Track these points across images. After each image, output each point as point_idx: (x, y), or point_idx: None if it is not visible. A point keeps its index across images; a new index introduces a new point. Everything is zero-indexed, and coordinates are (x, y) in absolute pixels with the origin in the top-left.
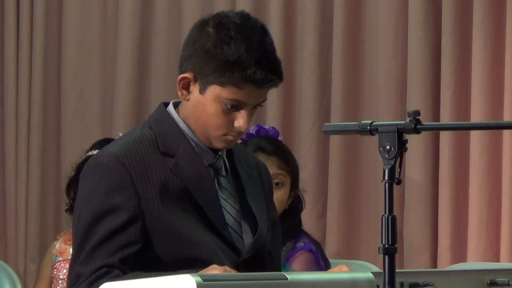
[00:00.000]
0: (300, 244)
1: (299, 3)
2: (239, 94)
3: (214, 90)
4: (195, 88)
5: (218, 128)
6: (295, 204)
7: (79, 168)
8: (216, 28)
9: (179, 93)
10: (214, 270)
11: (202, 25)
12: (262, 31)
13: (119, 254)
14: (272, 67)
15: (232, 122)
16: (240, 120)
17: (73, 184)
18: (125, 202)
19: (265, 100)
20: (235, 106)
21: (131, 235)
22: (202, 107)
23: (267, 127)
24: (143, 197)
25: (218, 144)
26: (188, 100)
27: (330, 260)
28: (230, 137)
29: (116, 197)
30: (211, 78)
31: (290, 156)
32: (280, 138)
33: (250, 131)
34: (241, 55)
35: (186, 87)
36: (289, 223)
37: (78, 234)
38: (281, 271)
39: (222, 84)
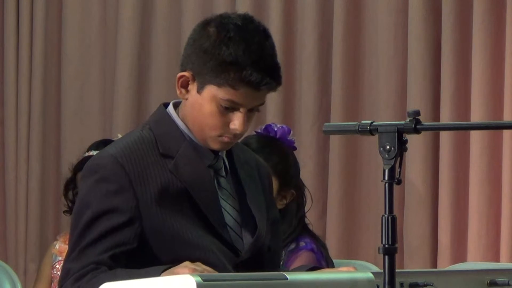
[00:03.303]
0: (302, 244)
1: (299, 3)
2: (235, 95)
3: (210, 90)
4: (193, 87)
5: (213, 129)
6: (292, 205)
7: (75, 169)
8: (217, 28)
9: (178, 92)
10: (185, 268)
11: (204, 24)
12: (263, 34)
13: (110, 252)
14: (270, 71)
15: (228, 123)
16: (236, 122)
17: (70, 185)
18: (123, 204)
19: (262, 103)
20: (231, 107)
21: (126, 236)
22: (199, 107)
23: (276, 127)
24: (142, 199)
25: (213, 145)
26: (186, 99)
27: None
28: (226, 139)
29: (114, 199)
30: (209, 78)
31: (277, 155)
32: (290, 138)
33: (258, 131)
34: (239, 56)
35: (185, 85)
36: (286, 225)
37: (75, 234)
38: (280, 268)
39: (218, 85)
